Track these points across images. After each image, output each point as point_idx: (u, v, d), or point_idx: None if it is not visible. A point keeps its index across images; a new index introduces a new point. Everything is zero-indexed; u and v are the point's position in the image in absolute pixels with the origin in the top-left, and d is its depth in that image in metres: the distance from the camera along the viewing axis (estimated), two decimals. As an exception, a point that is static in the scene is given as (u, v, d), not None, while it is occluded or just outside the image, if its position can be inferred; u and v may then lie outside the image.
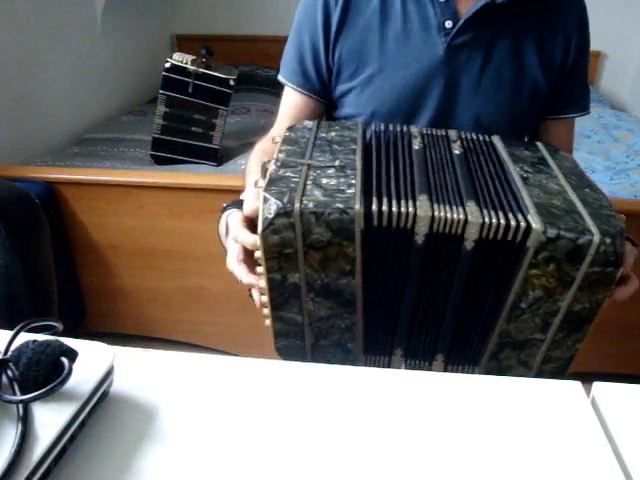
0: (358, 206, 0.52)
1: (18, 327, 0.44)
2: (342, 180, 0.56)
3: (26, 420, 0.39)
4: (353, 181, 0.55)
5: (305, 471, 0.41)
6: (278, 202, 0.52)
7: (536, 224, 0.53)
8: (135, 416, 0.45)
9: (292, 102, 0.89)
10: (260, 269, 0.57)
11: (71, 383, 0.41)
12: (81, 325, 1.79)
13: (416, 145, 0.65)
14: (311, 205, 0.52)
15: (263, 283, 0.57)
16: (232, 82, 1.91)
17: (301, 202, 0.52)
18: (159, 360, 0.52)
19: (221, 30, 3.07)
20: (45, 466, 0.38)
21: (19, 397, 0.39)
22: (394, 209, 0.54)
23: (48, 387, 0.39)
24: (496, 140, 0.69)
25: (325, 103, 0.88)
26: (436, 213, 0.54)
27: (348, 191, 0.54)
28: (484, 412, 0.47)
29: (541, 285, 0.55)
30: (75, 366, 0.42)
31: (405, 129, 0.69)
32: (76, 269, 1.72)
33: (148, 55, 2.79)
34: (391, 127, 0.69)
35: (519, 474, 0.41)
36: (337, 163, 0.58)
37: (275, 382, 0.50)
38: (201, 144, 1.95)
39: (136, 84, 2.70)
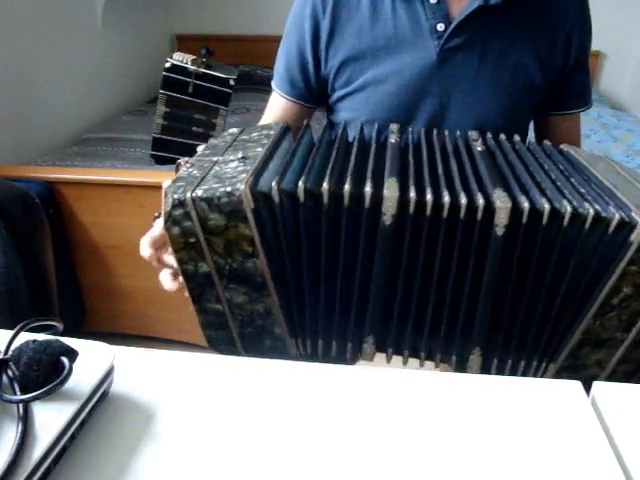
0: (243, 186, 0.53)
1: (18, 327, 0.44)
2: (240, 169, 0.57)
3: (26, 420, 0.39)
4: (249, 167, 0.56)
5: (305, 471, 0.41)
6: (174, 195, 0.54)
7: None
8: (135, 416, 0.45)
9: (278, 106, 0.90)
10: (176, 264, 0.58)
11: (71, 383, 0.41)
12: (81, 325, 1.79)
13: (392, 139, 0.65)
14: (201, 192, 0.53)
15: (181, 278, 0.59)
16: (232, 82, 1.91)
17: (192, 191, 0.53)
18: (159, 360, 0.52)
19: (221, 30, 3.07)
20: (45, 466, 0.38)
21: (19, 397, 0.39)
22: (325, 186, 0.53)
23: (48, 387, 0.39)
24: (570, 148, 0.68)
25: (313, 107, 0.89)
26: (412, 195, 0.52)
27: (241, 176, 0.55)
28: (484, 412, 0.47)
29: (634, 282, 0.55)
30: (75, 366, 0.42)
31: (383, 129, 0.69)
32: (76, 269, 1.72)
33: (148, 55, 2.79)
34: (367, 129, 0.69)
35: (519, 474, 0.41)
36: (240, 155, 0.59)
37: (275, 382, 0.50)
38: (201, 144, 1.94)
39: (136, 84, 2.70)
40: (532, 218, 0.53)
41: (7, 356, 0.41)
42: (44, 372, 0.40)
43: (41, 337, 0.43)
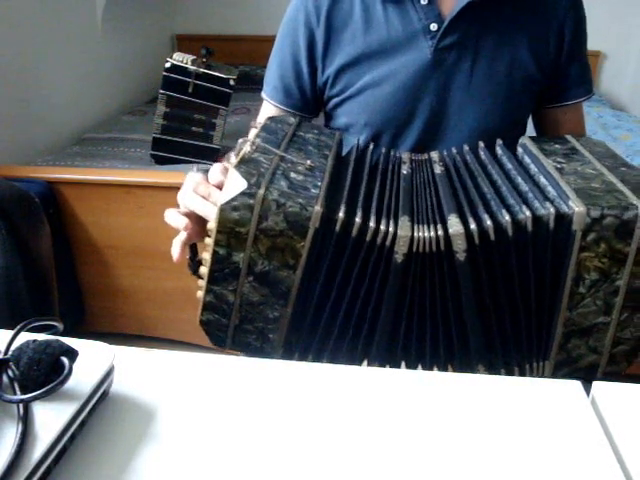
0: (318, 207, 0.54)
1: (18, 327, 0.44)
2: (309, 179, 0.58)
3: (26, 420, 0.39)
4: (319, 183, 0.58)
5: (305, 471, 0.41)
6: (245, 182, 0.54)
7: (578, 207, 0.54)
8: (135, 416, 0.45)
9: (271, 115, 0.89)
10: (208, 240, 0.58)
11: (71, 383, 0.41)
12: (81, 325, 1.79)
13: (404, 170, 0.67)
14: (275, 194, 0.54)
15: (207, 255, 0.58)
16: (232, 82, 1.92)
17: (267, 188, 0.54)
18: (159, 360, 0.52)
19: (221, 30, 3.07)
20: (45, 466, 0.38)
21: (19, 397, 0.39)
22: (372, 224, 0.55)
23: (48, 387, 0.39)
24: (525, 139, 0.70)
25: (307, 116, 0.89)
26: (415, 234, 0.55)
27: (313, 190, 0.56)
28: (484, 412, 0.47)
29: (595, 267, 0.56)
30: (75, 366, 0.42)
31: (396, 155, 0.71)
32: (76, 269, 1.72)
33: (148, 55, 2.79)
34: (383, 150, 0.71)
35: (519, 474, 0.41)
36: (308, 163, 0.60)
37: (275, 382, 0.50)
38: (201, 144, 1.95)
39: (136, 84, 2.70)
40: (482, 237, 0.55)
41: (7, 356, 0.41)
42: (44, 372, 0.40)
43: (41, 337, 0.43)
